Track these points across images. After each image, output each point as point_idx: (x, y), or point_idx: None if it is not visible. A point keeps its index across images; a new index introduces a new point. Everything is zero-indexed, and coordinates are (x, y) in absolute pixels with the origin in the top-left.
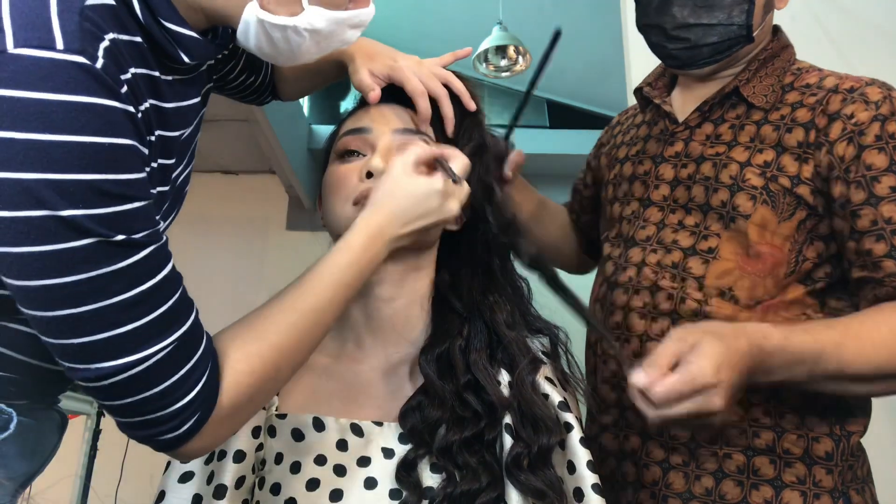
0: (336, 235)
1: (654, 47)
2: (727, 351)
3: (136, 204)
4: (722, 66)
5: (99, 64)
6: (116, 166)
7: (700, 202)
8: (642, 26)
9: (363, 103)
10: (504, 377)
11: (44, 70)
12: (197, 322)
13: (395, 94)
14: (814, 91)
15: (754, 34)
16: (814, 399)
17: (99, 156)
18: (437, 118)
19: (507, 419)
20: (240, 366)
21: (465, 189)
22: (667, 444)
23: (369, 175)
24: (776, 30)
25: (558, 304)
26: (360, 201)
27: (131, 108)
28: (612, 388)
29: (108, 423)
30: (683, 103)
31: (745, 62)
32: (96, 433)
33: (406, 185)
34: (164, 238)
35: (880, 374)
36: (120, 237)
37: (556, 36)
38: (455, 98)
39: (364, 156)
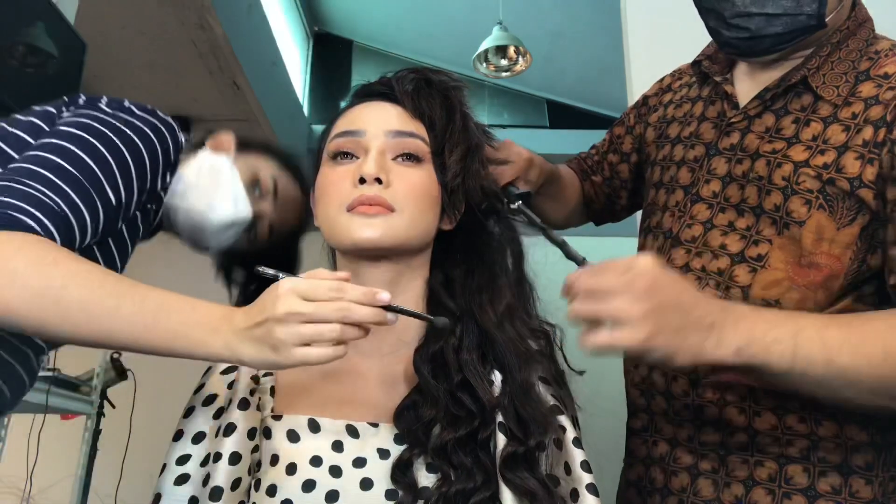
0: (330, 240)
1: (711, 32)
2: (665, 271)
3: None
4: (788, 53)
5: None
6: None
7: (753, 204)
8: (700, 8)
9: (354, 101)
10: (497, 377)
11: None
12: None
13: (387, 92)
14: (892, 83)
15: (827, 19)
16: (853, 410)
17: None
18: (428, 117)
19: (501, 418)
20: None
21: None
22: (696, 451)
23: (362, 181)
24: (855, 2)
25: (558, 303)
26: (355, 207)
27: None
28: (641, 393)
29: (108, 423)
30: (746, 83)
31: (816, 45)
32: (96, 433)
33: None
34: None
35: (875, 376)
36: None
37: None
38: (442, 99)
39: (357, 158)
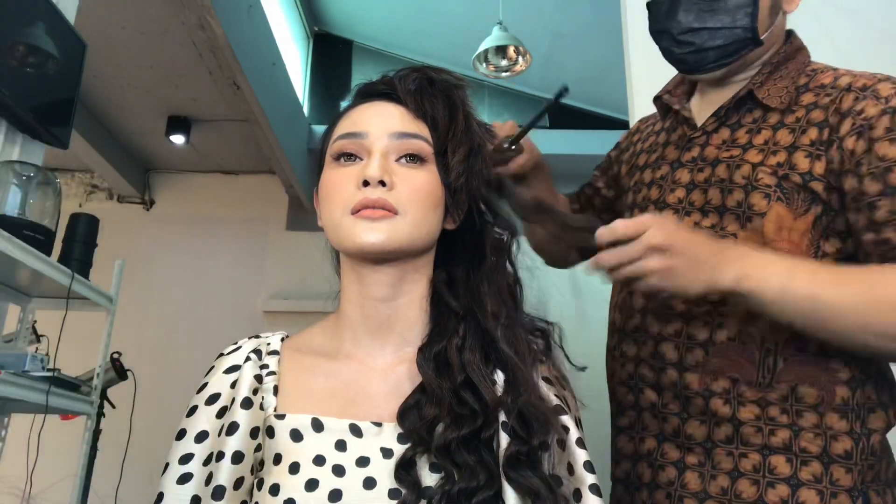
0: (334, 243)
1: (665, 52)
2: (682, 226)
3: None
4: (733, 70)
5: None
6: None
7: (716, 204)
8: (654, 32)
9: (356, 101)
10: (500, 376)
11: None
12: None
13: (388, 92)
14: (828, 91)
15: (762, 37)
16: (832, 396)
17: None
18: (431, 117)
19: (504, 417)
20: None
21: None
22: (682, 445)
23: (366, 183)
24: (790, 34)
25: (555, 303)
26: (359, 211)
27: None
28: (629, 390)
29: (107, 423)
30: (701, 109)
31: (759, 65)
32: (96, 433)
33: None
34: None
35: (860, 308)
36: None
37: (562, 92)
38: (445, 99)
39: (360, 159)
